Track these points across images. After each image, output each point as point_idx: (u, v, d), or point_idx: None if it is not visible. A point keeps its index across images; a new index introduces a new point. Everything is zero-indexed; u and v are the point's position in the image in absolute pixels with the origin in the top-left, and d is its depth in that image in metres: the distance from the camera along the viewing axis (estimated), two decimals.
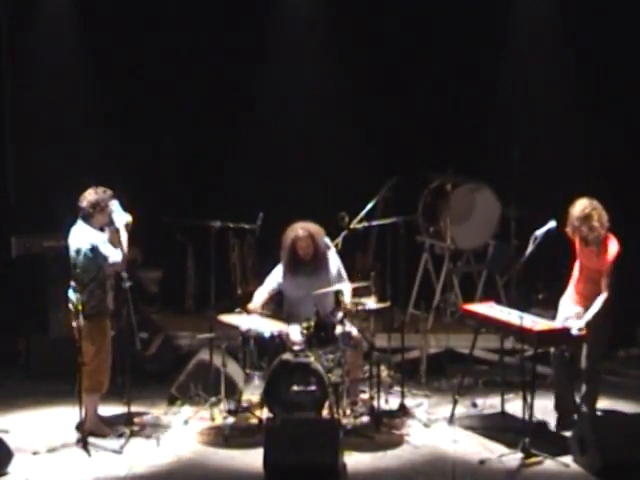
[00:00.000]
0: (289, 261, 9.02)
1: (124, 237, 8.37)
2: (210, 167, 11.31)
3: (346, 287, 8.93)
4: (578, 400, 8.63)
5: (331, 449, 7.63)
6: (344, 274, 9.11)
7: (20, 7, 11.24)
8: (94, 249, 8.26)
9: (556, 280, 8.95)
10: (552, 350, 8.57)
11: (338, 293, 8.95)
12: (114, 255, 8.27)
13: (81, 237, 8.32)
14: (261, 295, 9.07)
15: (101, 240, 8.30)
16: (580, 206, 8.32)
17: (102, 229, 8.41)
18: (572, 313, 8.50)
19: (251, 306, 8.95)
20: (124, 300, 8.37)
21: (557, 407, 8.72)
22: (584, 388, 8.55)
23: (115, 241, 8.35)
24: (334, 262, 9.09)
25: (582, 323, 8.27)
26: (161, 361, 10.06)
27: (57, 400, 9.15)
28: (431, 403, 9.30)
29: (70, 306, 8.14)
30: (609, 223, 8.34)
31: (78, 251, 8.30)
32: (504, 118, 11.03)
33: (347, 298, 8.89)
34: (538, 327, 8.15)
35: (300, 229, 8.96)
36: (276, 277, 9.11)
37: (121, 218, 8.40)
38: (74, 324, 8.12)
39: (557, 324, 8.39)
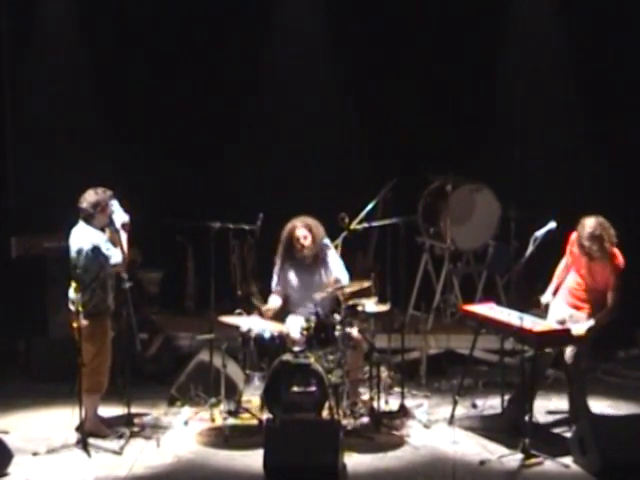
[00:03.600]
0: (285, 253, 9.03)
1: (124, 237, 8.38)
2: (210, 167, 11.30)
3: (345, 279, 8.94)
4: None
5: (331, 450, 7.63)
6: (346, 275, 9.09)
7: (21, 9, 11.23)
8: (96, 249, 8.25)
9: None
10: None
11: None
12: (116, 256, 8.27)
13: (83, 237, 8.31)
14: (275, 300, 9.10)
15: (103, 240, 8.29)
16: (590, 228, 8.22)
17: (103, 229, 8.41)
18: (566, 315, 8.51)
19: (265, 307, 8.97)
20: (124, 301, 8.38)
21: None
22: (571, 387, 8.56)
23: (115, 241, 8.36)
24: (335, 262, 9.08)
25: (585, 328, 8.27)
26: (161, 362, 10.06)
27: (57, 401, 9.14)
28: (431, 404, 9.30)
29: (71, 306, 8.14)
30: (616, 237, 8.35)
31: (80, 251, 8.29)
32: (504, 118, 11.02)
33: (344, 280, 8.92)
34: (538, 328, 8.14)
35: (298, 221, 8.99)
36: (277, 277, 9.12)
37: (119, 219, 8.40)
38: (75, 325, 8.12)
39: (556, 325, 8.40)
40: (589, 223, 8.26)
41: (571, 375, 8.50)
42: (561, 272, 8.69)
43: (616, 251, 8.33)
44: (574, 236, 8.42)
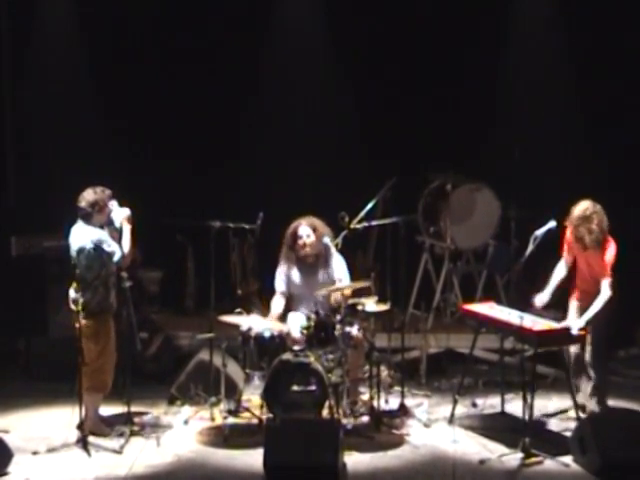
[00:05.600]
0: (289, 251, 9.03)
1: (127, 231, 8.37)
2: (210, 167, 11.31)
3: (346, 280, 8.93)
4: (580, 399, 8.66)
5: (331, 449, 7.63)
6: (348, 276, 9.08)
7: (21, 9, 11.24)
8: (98, 247, 8.25)
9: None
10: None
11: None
12: (118, 252, 8.27)
13: (83, 236, 8.31)
14: (278, 304, 9.08)
15: (104, 237, 8.29)
16: (582, 207, 8.37)
17: (102, 228, 8.41)
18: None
19: (272, 316, 8.96)
20: (124, 300, 8.38)
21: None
22: (591, 386, 8.55)
23: (115, 240, 8.36)
24: (337, 263, 9.07)
25: (582, 322, 8.29)
26: (161, 361, 10.06)
27: (57, 400, 9.14)
28: (431, 403, 9.30)
29: (72, 306, 8.15)
30: (608, 227, 8.35)
31: (81, 250, 8.28)
32: (504, 118, 11.03)
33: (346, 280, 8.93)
34: (538, 327, 8.15)
35: (303, 220, 9.01)
36: (280, 277, 9.12)
37: (120, 215, 8.41)
38: (77, 324, 8.14)
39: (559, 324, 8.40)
40: (583, 204, 8.39)
41: (592, 374, 8.49)
42: (558, 271, 8.68)
43: (609, 239, 8.35)
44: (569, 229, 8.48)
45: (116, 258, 8.26)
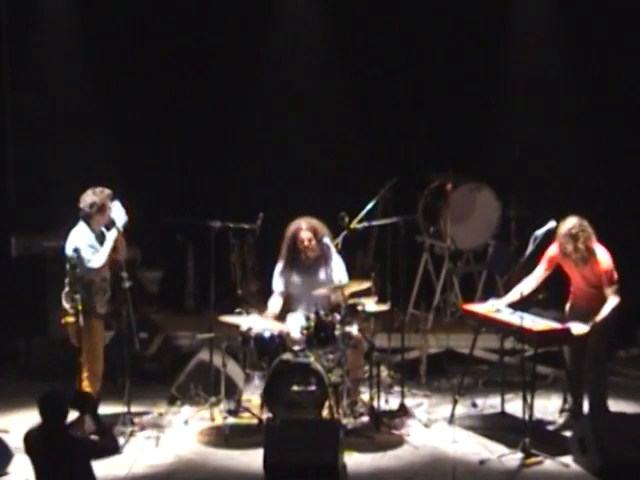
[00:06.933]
0: (289, 254, 9.02)
1: (110, 239, 8.37)
2: (210, 167, 11.32)
3: (345, 280, 8.92)
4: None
5: (331, 449, 7.63)
6: (346, 277, 9.07)
7: (20, 7, 11.24)
8: (76, 250, 8.27)
9: (555, 280, 8.93)
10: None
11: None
12: (94, 260, 8.27)
13: (72, 236, 8.36)
14: (276, 303, 9.06)
15: (86, 242, 8.30)
16: (569, 225, 8.24)
17: (108, 229, 8.41)
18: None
19: (267, 313, 8.95)
20: (124, 300, 8.38)
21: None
22: (590, 388, 8.53)
23: (119, 241, 8.38)
24: (337, 263, 9.06)
25: (587, 328, 8.23)
26: (161, 361, 10.06)
27: None
28: (431, 403, 9.30)
29: (65, 305, 8.19)
30: (597, 238, 8.30)
31: (68, 250, 8.33)
32: (504, 118, 11.04)
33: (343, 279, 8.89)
34: (538, 327, 8.15)
35: (303, 222, 8.98)
36: (279, 277, 9.12)
37: (121, 219, 8.41)
38: (62, 321, 8.16)
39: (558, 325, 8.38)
40: (570, 221, 8.27)
41: (591, 376, 8.48)
42: (526, 284, 8.49)
43: (595, 248, 8.28)
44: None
45: (89, 265, 8.27)
